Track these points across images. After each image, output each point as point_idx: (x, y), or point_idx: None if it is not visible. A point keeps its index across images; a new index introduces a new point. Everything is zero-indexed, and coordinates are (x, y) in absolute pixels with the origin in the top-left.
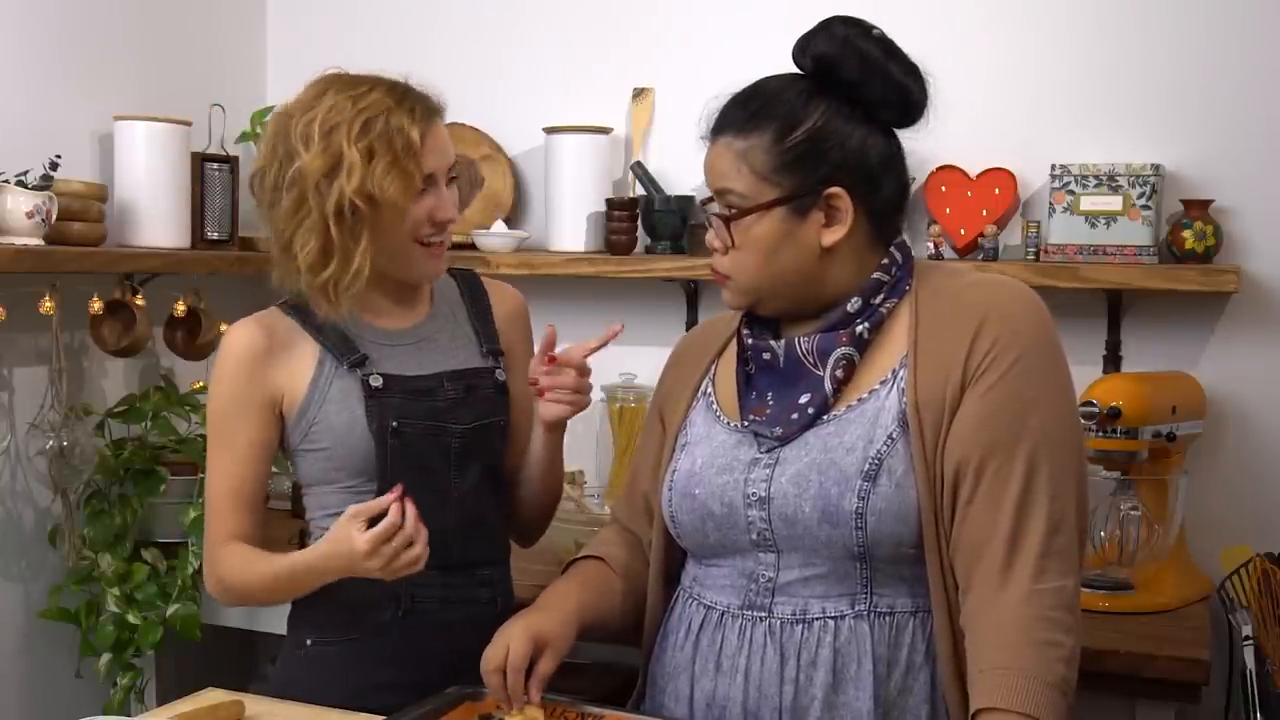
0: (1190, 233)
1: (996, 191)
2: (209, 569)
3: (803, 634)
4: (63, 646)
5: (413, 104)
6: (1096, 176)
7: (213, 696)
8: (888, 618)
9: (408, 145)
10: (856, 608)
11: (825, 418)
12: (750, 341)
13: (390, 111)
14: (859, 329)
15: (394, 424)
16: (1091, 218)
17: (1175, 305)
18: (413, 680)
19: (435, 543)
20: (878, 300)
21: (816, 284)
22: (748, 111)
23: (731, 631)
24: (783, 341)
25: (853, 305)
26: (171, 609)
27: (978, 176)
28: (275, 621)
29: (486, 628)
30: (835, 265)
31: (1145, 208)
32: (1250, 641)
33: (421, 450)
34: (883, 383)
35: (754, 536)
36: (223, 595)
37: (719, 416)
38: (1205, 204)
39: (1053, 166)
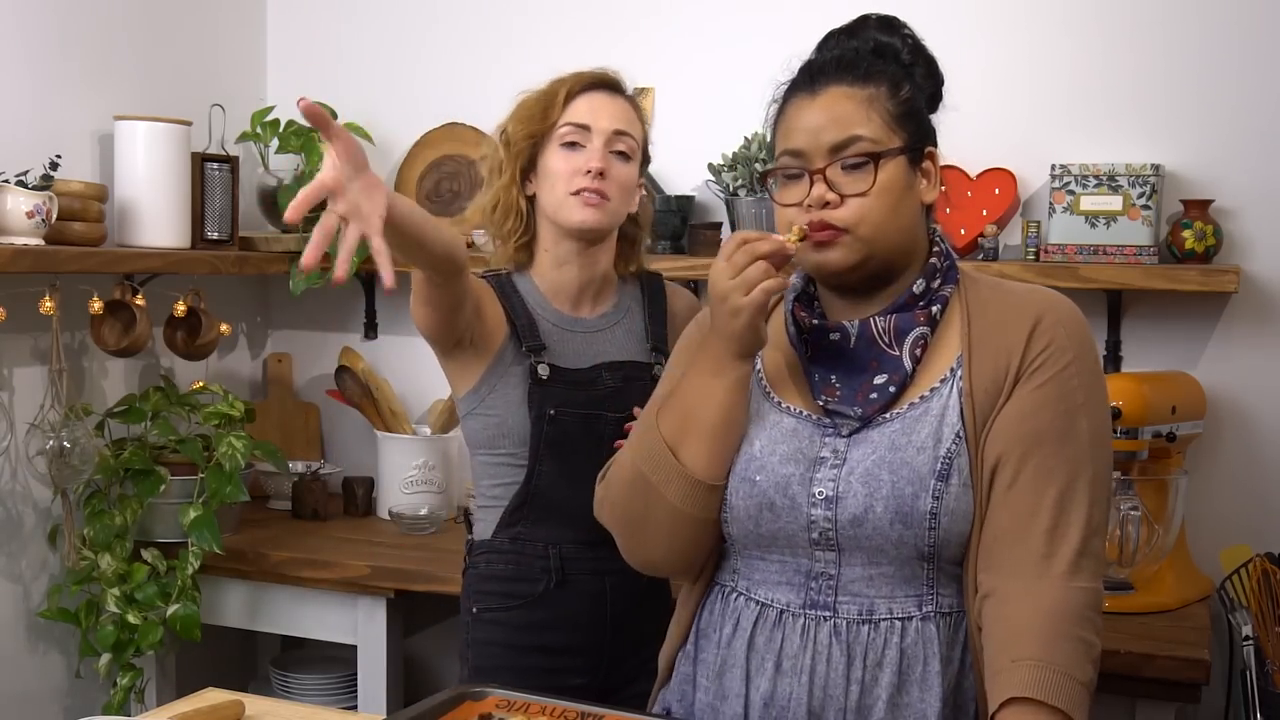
0: (1190, 233)
1: (996, 191)
2: None
3: (869, 634)
4: (63, 646)
5: (573, 75)
6: (1096, 176)
7: (213, 696)
8: (949, 617)
9: (542, 98)
10: (924, 609)
11: (889, 415)
12: (815, 323)
13: (549, 84)
14: (933, 310)
15: (551, 412)
16: (1091, 218)
17: (1175, 305)
18: (574, 642)
19: (584, 517)
20: (936, 284)
21: (911, 246)
22: (860, 68)
23: (793, 631)
24: (856, 322)
25: (918, 286)
26: (171, 609)
27: (978, 176)
28: (275, 622)
29: (639, 591)
30: (921, 233)
31: (1145, 208)
32: (1250, 641)
33: (574, 435)
34: (943, 381)
35: (815, 535)
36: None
37: (769, 395)
38: (1205, 204)
39: (1053, 166)
